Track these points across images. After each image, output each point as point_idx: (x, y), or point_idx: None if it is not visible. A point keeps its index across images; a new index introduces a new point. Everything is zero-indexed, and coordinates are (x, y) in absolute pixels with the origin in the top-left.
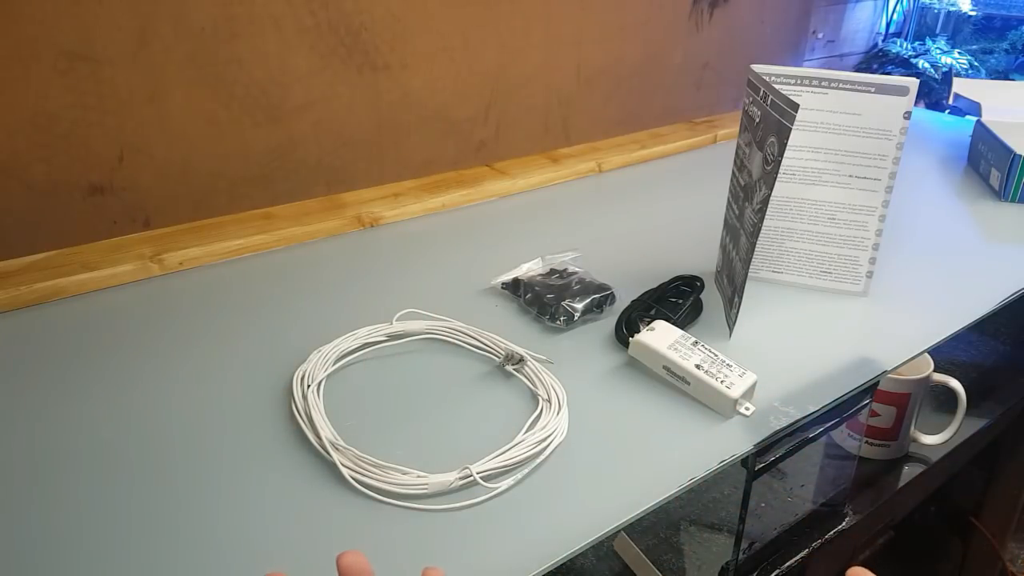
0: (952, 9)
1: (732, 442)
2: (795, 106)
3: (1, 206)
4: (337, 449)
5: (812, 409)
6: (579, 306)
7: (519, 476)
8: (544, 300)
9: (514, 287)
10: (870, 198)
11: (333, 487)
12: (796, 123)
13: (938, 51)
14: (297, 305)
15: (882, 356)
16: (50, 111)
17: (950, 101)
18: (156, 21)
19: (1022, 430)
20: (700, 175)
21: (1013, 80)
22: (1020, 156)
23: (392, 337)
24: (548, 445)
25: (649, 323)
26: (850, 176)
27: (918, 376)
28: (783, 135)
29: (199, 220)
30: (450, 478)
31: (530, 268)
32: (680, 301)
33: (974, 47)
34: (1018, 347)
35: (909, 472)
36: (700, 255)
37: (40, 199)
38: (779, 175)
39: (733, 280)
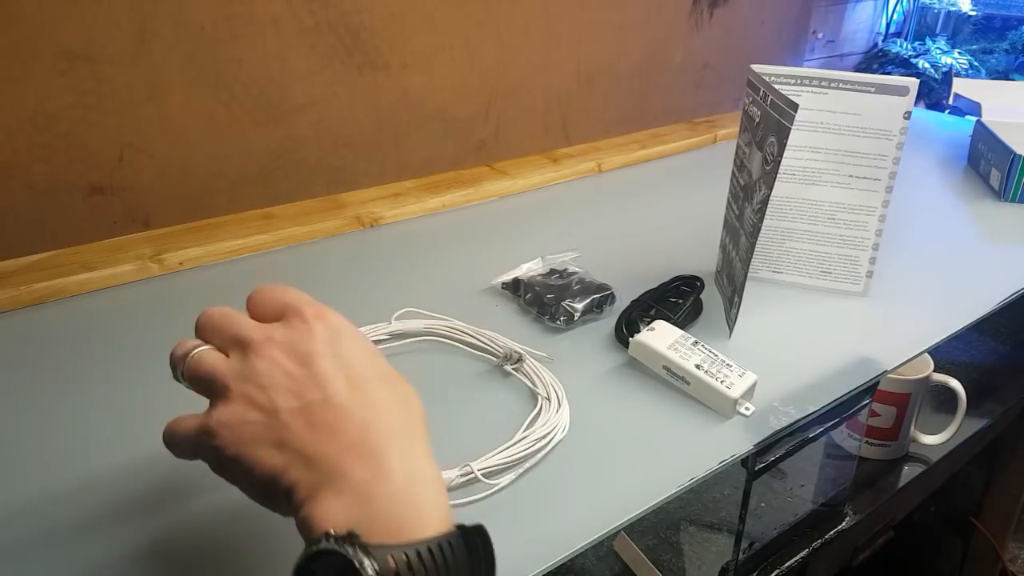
0: (952, 9)
1: (732, 442)
2: (795, 106)
3: (1, 206)
4: None
5: (812, 409)
6: (579, 306)
7: (520, 471)
8: (544, 300)
9: (514, 287)
10: (870, 198)
11: None
12: (796, 123)
13: (938, 51)
14: None
15: (882, 356)
16: (50, 111)
17: (950, 101)
18: (156, 21)
19: (1022, 430)
20: (700, 175)
21: (1013, 80)
22: (1020, 156)
23: (392, 336)
24: (549, 442)
25: (649, 323)
26: (850, 176)
27: (918, 376)
28: (783, 135)
29: (199, 220)
30: (451, 475)
31: (530, 268)
32: (680, 301)
33: (974, 47)
34: (1018, 347)
35: (909, 472)
36: (700, 255)
37: (40, 199)
38: (779, 175)
39: (733, 280)
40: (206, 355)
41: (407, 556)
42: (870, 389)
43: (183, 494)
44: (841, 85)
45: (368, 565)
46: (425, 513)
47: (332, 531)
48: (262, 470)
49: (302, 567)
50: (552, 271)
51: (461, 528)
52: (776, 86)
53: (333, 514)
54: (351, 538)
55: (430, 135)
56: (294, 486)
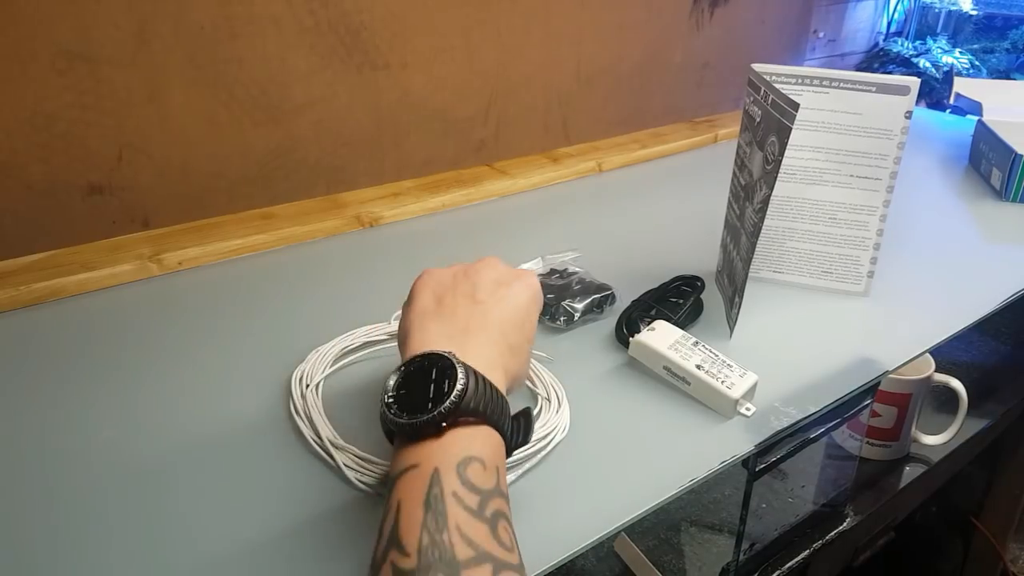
0: (953, 8)
1: (733, 442)
2: (796, 105)
3: (0, 206)
4: (337, 448)
5: (813, 409)
6: (579, 306)
7: (520, 472)
8: (544, 300)
9: None
10: (871, 198)
11: (334, 486)
12: (797, 122)
13: (939, 50)
14: (297, 305)
15: (883, 356)
16: (49, 111)
17: (951, 100)
18: (155, 20)
19: (1023, 430)
20: (701, 175)
21: (1014, 79)
22: (1021, 156)
23: (391, 336)
24: (549, 443)
25: (649, 323)
26: (851, 176)
27: (919, 376)
28: (784, 134)
29: (198, 220)
30: None
31: (530, 268)
32: (681, 301)
33: (975, 46)
34: (1019, 347)
35: (910, 472)
36: (700, 255)
37: (39, 199)
38: (780, 175)
39: (734, 280)
40: None
41: (478, 381)
42: (871, 389)
43: (182, 492)
44: (842, 84)
45: (459, 368)
46: (500, 386)
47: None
48: (420, 305)
49: (411, 361)
50: (552, 271)
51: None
52: (777, 85)
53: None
54: (451, 353)
55: (430, 135)
56: (425, 331)
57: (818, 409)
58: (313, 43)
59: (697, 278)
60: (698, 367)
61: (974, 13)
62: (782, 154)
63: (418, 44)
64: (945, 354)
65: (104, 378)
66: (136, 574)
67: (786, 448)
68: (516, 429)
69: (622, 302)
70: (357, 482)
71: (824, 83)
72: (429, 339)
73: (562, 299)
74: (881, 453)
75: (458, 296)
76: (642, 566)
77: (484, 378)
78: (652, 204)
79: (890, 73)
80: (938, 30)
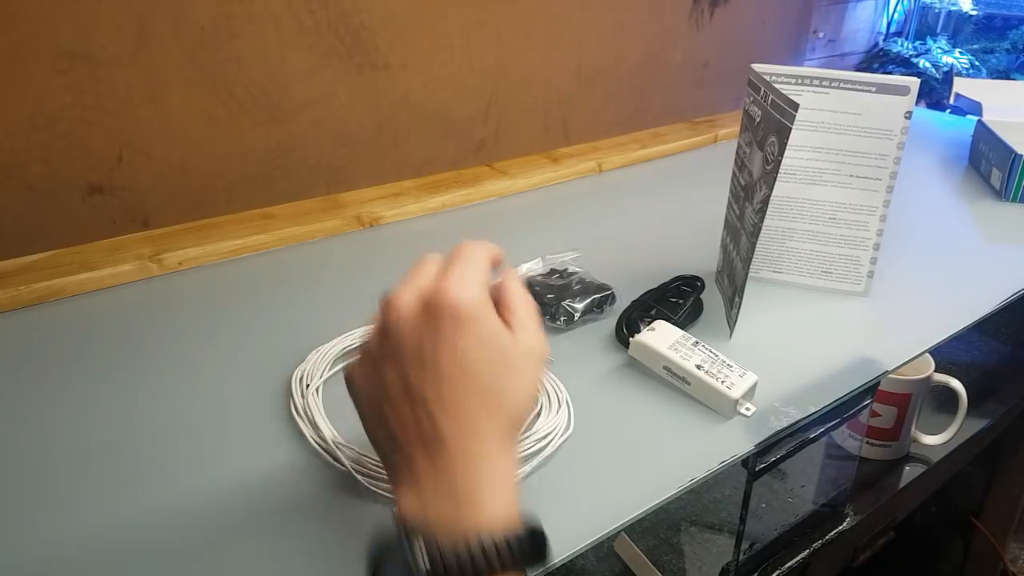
0: (953, 8)
1: (733, 442)
2: (795, 106)
3: (0, 206)
4: (339, 447)
5: (813, 409)
6: (579, 306)
7: (520, 472)
8: (544, 300)
9: None
10: (871, 198)
11: (336, 485)
12: (796, 123)
13: (939, 50)
14: (297, 305)
15: (883, 356)
16: (49, 111)
17: (951, 101)
18: (155, 20)
19: (1023, 430)
20: (700, 175)
21: (1014, 80)
22: (1021, 156)
23: None
24: (548, 444)
25: (649, 323)
26: (851, 176)
27: (919, 376)
28: (783, 135)
29: (198, 220)
30: None
31: (530, 268)
32: (680, 301)
33: (975, 46)
34: (1019, 347)
35: (910, 472)
36: (700, 255)
37: (39, 199)
38: (780, 175)
39: (734, 280)
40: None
41: (457, 554)
42: (871, 389)
43: (182, 492)
44: (842, 85)
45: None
46: (485, 506)
47: (402, 523)
48: (371, 436)
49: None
50: (552, 271)
51: (518, 532)
52: (777, 85)
53: (405, 502)
54: (412, 532)
55: (430, 135)
56: (392, 468)
57: (818, 409)
58: (313, 43)
59: (697, 278)
60: (698, 367)
61: (974, 13)
62: (782, 154)
63: (418, 44)
64: (945, 354)
65: (104, 378)
66: (137, 573)
67: (786, 448)
68: (531, 548)
69: (622, 302)
70: (360, 479)
71: (824, 83)
72: (402, 504)
73: (562, 299)
74: (881, 453)
75: (397, 407)
76: (642, 566)
77: (456, 546)
78: (652, 204)
79: (890, 73)
80: (938, 30)
